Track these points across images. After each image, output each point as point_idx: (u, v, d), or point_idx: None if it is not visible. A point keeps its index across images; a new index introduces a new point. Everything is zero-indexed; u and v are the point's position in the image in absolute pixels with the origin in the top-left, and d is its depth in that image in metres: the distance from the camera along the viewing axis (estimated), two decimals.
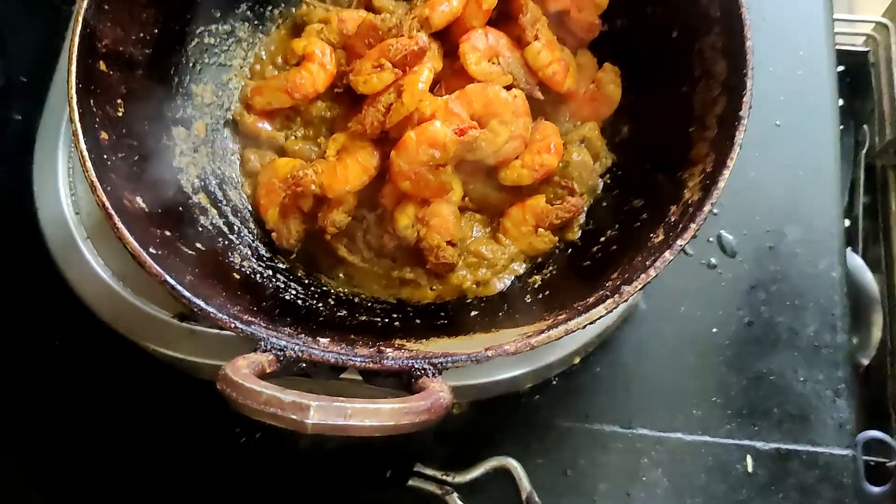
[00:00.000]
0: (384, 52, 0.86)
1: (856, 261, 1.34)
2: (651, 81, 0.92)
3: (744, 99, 0.76)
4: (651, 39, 0.92)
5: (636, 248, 0.78)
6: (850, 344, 1.10)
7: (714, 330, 1.08)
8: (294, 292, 0.85)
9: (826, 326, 1.09)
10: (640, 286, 0.71)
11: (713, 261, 1.11)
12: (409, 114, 0.84)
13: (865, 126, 1.47)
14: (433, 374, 0.68)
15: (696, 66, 0.85)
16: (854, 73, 1.54)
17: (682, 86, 0.86)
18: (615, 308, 0.70)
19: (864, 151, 1.47)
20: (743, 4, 0.79)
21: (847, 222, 1.53)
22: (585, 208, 0.92)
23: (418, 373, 0.68)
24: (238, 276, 0.83)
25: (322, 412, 0.56)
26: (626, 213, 0.86)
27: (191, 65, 0.94)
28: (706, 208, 0.73)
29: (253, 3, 1.00)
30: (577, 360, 1.02)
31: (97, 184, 0.74)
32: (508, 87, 0.89)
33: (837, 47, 1.30)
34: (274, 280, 0.86)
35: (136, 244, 0.72)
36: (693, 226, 0.73)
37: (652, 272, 0.71)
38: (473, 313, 0.85)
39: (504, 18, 0.94)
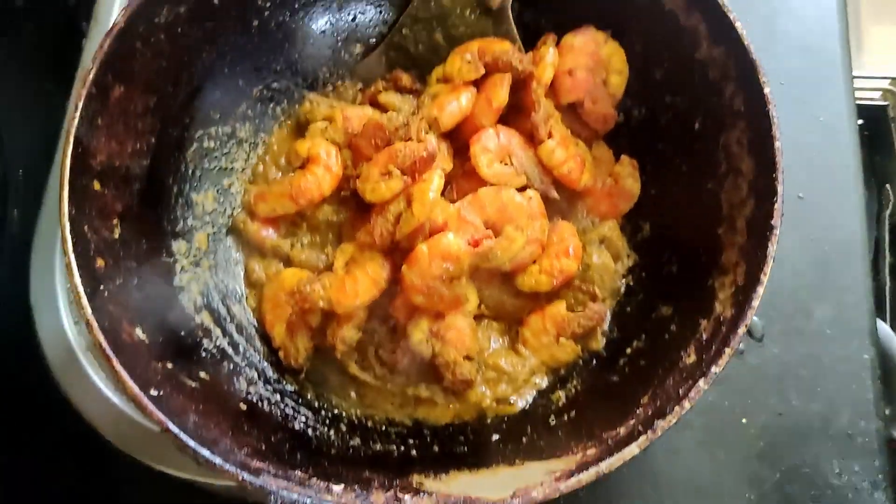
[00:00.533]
0: (392, 157, 0.82)
1: (884, 329, 1.29)
2: (673, 176, 0.87)
3: (775, 206, 0.72)
4: (672, 131, 0.88)
5: (667, 367, 0.73)
6: (886, 431, 1.05)
7: (744, 420, 1.03)
8: (304, 419, 0.81)
9: (860, 413, 1.04)
10: (674, 420, 0.66)
11: (740, 346, 1.06)
12: (420, 224, 0.80)
13: (888, 185, 1.42)
14: None
15: (722, 162, 0.81)
16: (872, 128, 1.50)
17: (707, 182, 0.82)
18: (648, 444, 0.66)
19: (887, 212, 1.42)
20: (770, 101, 0.75)
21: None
22: (609, 314, 0.87)
23: None
24: (245, 407, 0.78)
25: None
26: (654, 322, 0.82)
27: (190, 172, 0.90)
28: (740, 330, 0.69)
29: (254, 102, 0.96)
30: None
31: (94, 323, 0.70)
32: (522, 189, 0.85)
33: (859, 102, 1.26)
34: (282, 406, 0.81)
35: (136, 388, 0.68)
36: (728, 350, 0.68)
37: (686, 404, 0.67)
38: (495, 437, 0.80)
39: (514, 111, 0.90)
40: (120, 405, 0.91)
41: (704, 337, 0.72)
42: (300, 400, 0.83)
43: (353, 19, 0.98)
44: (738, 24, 0.78)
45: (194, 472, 0.87)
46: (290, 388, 0.85)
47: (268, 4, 0.92)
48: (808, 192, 1.13)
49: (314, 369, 0.87)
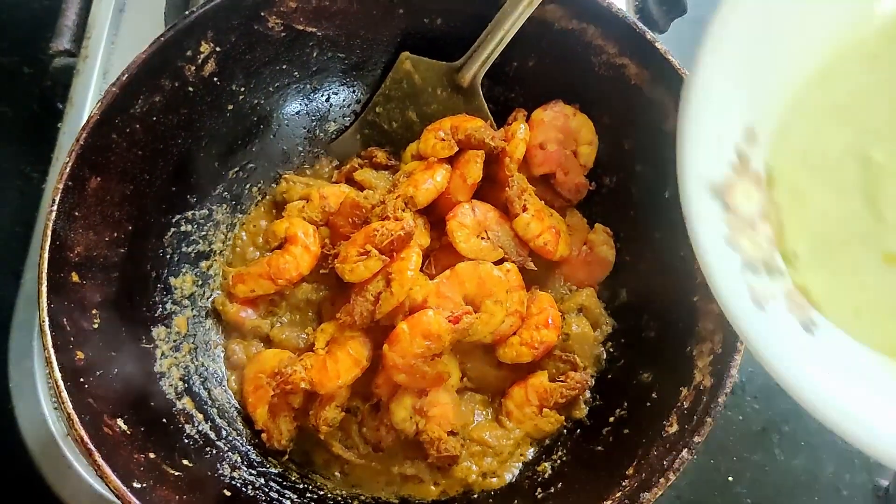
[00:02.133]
0: (369, 237, 0.83)
1: None
2: (646, 243, 0.89)
3: None
4: (643, 199, 0.90)
5: (650, 436, 0.74)
6: (871, 482, 1.05)
7: (730, 479, 1.03)
8: (289, 503, 0.80)
9: (844, 465, 1.05)
10: (659, 492, 0.67)
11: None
12: (400, 302, 0.81)
13: None
14: None
15: None
16: None
17: (680, 249, 0.83)
18: None
19: None
20: None
21: None
22: (591, 383, 0.87)
23: None
24: (229, 493, 0.78)
25: None
26: (635, 388, 0.82)
27: (168, 256, 0.90)
28: (721, 399, 0.70)
29: (230, 184, 0.96)
30: None
31: (75, 418, 0.70)
32: (500, 262, 0.86)
33: None
34: (266, 490, 0.80)
35: (119, 483, 0.68)
36: (709, 420, 0.69)
37: (671, 476, 0.67)
38: None
39: (488, 184, 0.91)
40: (101, 491, 0.90)
41: (686, 405, 0.73)
42: (284, 483, 0.82)
43: (327, 100, 1.00)
44: None
45: None
46: (273, 470, 0.84)
47: (242, 90, 0.94)
48: None
49: (298, 449, 0.86)
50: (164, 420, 0.81)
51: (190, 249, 0.93)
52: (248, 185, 0.98)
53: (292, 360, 0.84)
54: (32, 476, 0.94)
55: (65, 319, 0.76)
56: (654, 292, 0.88)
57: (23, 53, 1.26)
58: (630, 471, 0.72)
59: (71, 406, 0.70)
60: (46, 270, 0.75)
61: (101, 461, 0.68)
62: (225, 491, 0.78)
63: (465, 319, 0.80)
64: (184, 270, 0.92)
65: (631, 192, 0.92)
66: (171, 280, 0.90)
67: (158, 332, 0.86)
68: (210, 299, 0.93)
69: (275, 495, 0.80)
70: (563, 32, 0.90)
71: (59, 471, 0.94)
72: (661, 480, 0.67)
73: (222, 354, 0.92)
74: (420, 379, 0.80)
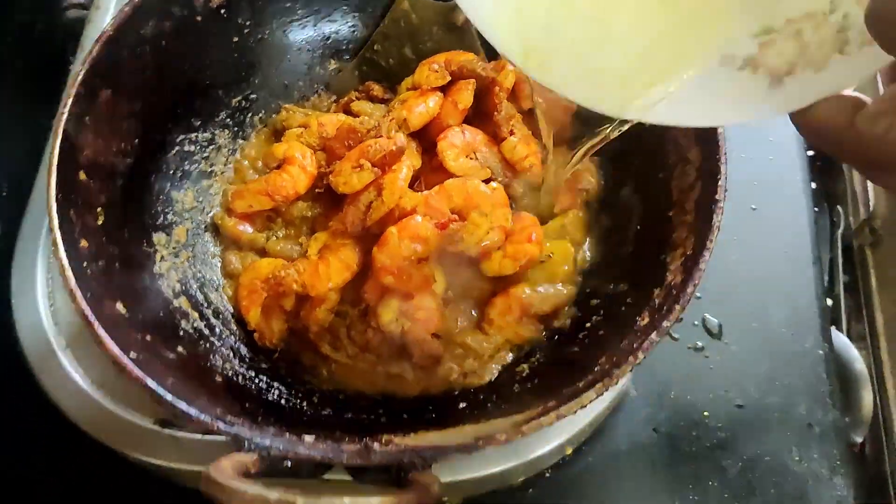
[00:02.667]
0: (363, 152, 0.87)
1: (840, 339, 1.34)
2: (627, 170, 0.94)
3: (719, 184, 0.78)
4: (625, 133, 0.95)
5: (623, 332, 0.77)
6: (843, 420, 1.08)
7: (706, 413, 1.06)
8: (277, 392, 0.83)
9: (817, 404, 1.08)
10: (628, 368, 0.70)
11: (700, 344, 1.10)
12: (390, 210, 0.85)
13: (839, 207, 1.50)
14: (422, 468, 0.66)
15: (671, 153, 0.87)
16: (825, 157, 1.58)
17: (658, 172, 0.88)
18: (605, 392, 0.69)
19: (839, 232, 1.49)
20: None
21: (829, 301, 1.54)
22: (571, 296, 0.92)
23: (407, 467, 0.66)
24: (220, 380, 0.81)
25: None
26: (611, 298, 0.86)
27: (171, 172, 0.95)
28: (689, 289, 0.73)
29: (233, 111, 1.02)
30: (569, 451, 1.00)
31: (77, 292, 0.73)
32: (487, 181, 0.91)
33: None
34: (257, 381, 0.84)
35: (115, 349, 0.71)
36: (678, 307, 0.73)
37: (640, 354, 0.71)
38: (462, 405, 0.83)
39: (480, 117, 0.97)
40: (97, 397, 0.93)
41: (657, 302, 0.77)
42: (274, 377, 0.86)
43: (328, 38, 1.06)
44: None
45: (169, 460, 0.88)
46: (264, 366, 0.87)
47: (248, 22, 1.00)
48: (761, 204, 1.20)
49: (287, 351, 0.90)
50: (161, 314, 0.85)
51: (192, 168, 0.97)
52: (249, 115, 1.03)
53: (286, 265, 0.88)
54: (31, 386, 0.96)
55: (71, 211, 0.80)
56: (632, 212, 0.92)
57: (37, 11, 1.31)
58: (603, 360, 0.75)
59: (74, 282, 0.74)
60: (56, 164, 0.79)
61: (100, 331, 0.72)
62: (217, 377, 0.81)
63: (452, 226, 0.84)
64: (186, 186, 0.96)
65: None
66: (174, 193, 0.95)
67: (159, 237, 0.91)
68: (210, 214, 0.98)
69: (264, 386, 0.84)
70: None
71: (57, 381, 0.96)
72: (630, 359, 0.70)
73: (219, 264, 0.96)
74: (407, 281, 0.84)
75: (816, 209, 1.29)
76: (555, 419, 0.68)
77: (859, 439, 1.25)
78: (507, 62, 0.95)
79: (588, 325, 0.86)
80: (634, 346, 0.72)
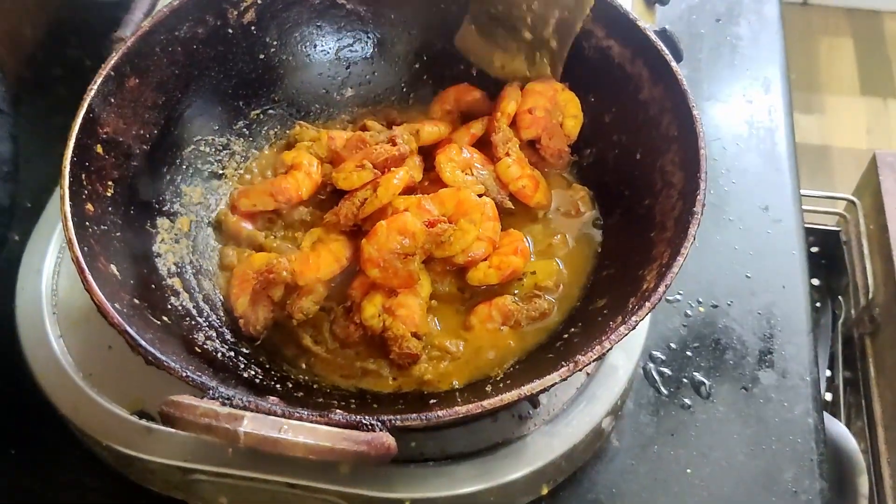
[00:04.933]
0: (367, 154, 0.92)
1: (839, 428, 1.32)
2: (617, 200, 0.97)
3: (697, 198, 0.81)
4: (618, 165, 0.99)
5: (596, 337, 0.78)
6: (830, 491, 1.06)
7: (688, 471, 1.05)
8: (253, 372, 0.84)
9: (804, 472, 1.05)
10: (594, 356, 0.71)
11: (687, 402, 1.09)
12: (383, 207, 0.89)
13: (841, 297, 1.51)
14: (380, 430, 0.66)
15: (658, 181, 0.90)
16: (829, 254, 1.60)
17: (644, 199, 0.91)
18: (569, 376, 0.70)
19: (840, 321, 1.49)
20: (697, 120, 0.86)
21: (829, 395, 1.52)
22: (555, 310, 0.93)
23: (366, 429, 0.66)
24: (199, 351, 0.83)
25: (256, 423, 0.55)
26: (590, 312, 0.88)
27: (184, 167, 1.00)
28: (661, 289, 0.75)
29: (250, 122, 1.07)
30: (545, 491, 0.98)
31: (75, 241, 0.77)
32: (480, 196, 0.94)
33: (812, 226, 1.37)
34: (235, 360, 0.85)
35: (102, 296, 0.73)
36: (648, 304, 0.74)
37: (607, 344, 0.72)
38: (432, 401, 0.84)
39: (480, 144, 1.02)
40: (81, 384, 0.93)
41: (630, 307, 0.78)
42: (252, 360, 0.87)
43: (348, 67, 1.12)
44: (673, 65, 0.91)
45: (143, 451, 0.89)
46: (245, 350, 0.89)
47: (275, 42, 1.07)
48: (756, 273, 1.22)
49: (270, 340, 0.91)
50: (153, 286, 0.88)
51: (204, 167, 1.02)
52: (265, 127, 1.09)
53: (279, 257, 0.91)
54: (21, 369, 0.97)
55: (83, 175, 0.85)
56: (620, 238, 0.95)
57: (87, 47, 1.38)
58: (576, 356, 0.76)
59: (73, 233, 0.77)
60: (77, 131, 0.85)
61: (90, 278, 0.74)
62: (196, 349, 0.83)
63: (440, 226, 0.87)
64: (195, 182, 1.01)
65: (607, 159, 1.00)
66: (183, 186, 1.00)
67: (162, 222, 0.95)
68: (214, 212, 1.02)
69: (242, 366, 0.85)
70: None
71: (46, 365, 0.96)
72: (598, 347, 0.71)
73: (217, 257, 0.99)
74: (392, 276, 0.86)
75: (819, 304, 1.30)
76: (516, 397, 0.69)
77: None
78: (511, 92, 1.01)
79: (565, 336, 0.87)
80: (602, 337, 0.73)
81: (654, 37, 0.93)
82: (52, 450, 1.00)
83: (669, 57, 0.92)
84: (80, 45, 1.42)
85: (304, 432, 0.55)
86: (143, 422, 0.91)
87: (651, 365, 1.11)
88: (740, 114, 1.41)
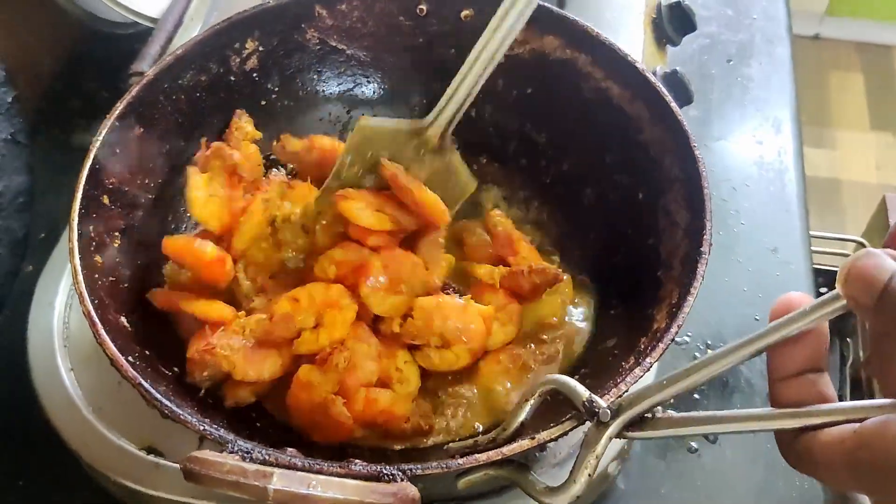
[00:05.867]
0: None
1: None
2: (620, 241, 0.98)
3: (704, 237, 0.82)
4: (620, 205, 1.00)
5: (611, 377, 0.79)
6: None
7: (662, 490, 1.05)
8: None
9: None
10: (611, 399, 0.71)
11: (694, 445, 1.09)
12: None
13: (849, 339, 1.51)
14: (401, 481, 0.66)
15: (661, 220, 0.91)
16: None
17: (648, 238, 0.92)
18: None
19: (849, 363, 1.50)
20: (700, 161, 0.87)
21: None
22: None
23: (386, 479, 0.66)
24: (211, 401, 0.83)
25: (285, 480, 0.55)
26: (599, 353, 0.88)
27: (189, 216, 1.00)
28: (674, 329, 0.76)
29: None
30: None
31: (86, 295, 0.77)
32: None
33: (821, 266, 1.38)
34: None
35: (114, 349, 0.73)
36: (661, 346, 0.75)
37: (623, 387, 0.72)
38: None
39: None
40: (91, 418, 0.93)
41: (642, 348, 0.79)
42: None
43: (349, 112, 1.14)
44: (673, 105, 0.92)
45: (151, 487, 0.88)
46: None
47: (276, 89, 1.08)
48: (765, 316, 1.20)
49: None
50: (163, 336, 0.87)
51: None
52: (267, 172, 1.09)
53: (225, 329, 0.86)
54: (32, 403, 0.96)
55: (91, 227, 0.85)
56: (622, 279, 0.95)
57: (104, 80, 1.38)
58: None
59: (83, 285, 0.77)
60: (84, 182, 0.85)
61: (101, 331, 0.74)
62: (208, 399, 0.83)
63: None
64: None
65: (609, 199, 1.02)
66: (188, 234, 1.00)
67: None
68: None
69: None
70: (558, 62, 1.03)
71: (56, 399, 0.95)
72: (613, 390, 0.71)
73: None
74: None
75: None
76: (535, 444, 0.69)
77: None
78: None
79: (576, 377, 0.87)
80: (618, 380, 0.73)
81: (652, 78, 0.95)
82: (61, 484, 0.99)
83: (669, 98, 0.93)
84: (97, 78, 1.44)
85: (333, 488, 0.55)
86: (152, 457, 0.91)
87: (658, 407, 1.11)
88: (750, 154, 1.43)
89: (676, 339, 1.15)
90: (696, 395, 1.14)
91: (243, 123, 1.05)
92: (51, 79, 1.46)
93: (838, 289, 0.59)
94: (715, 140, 1.46)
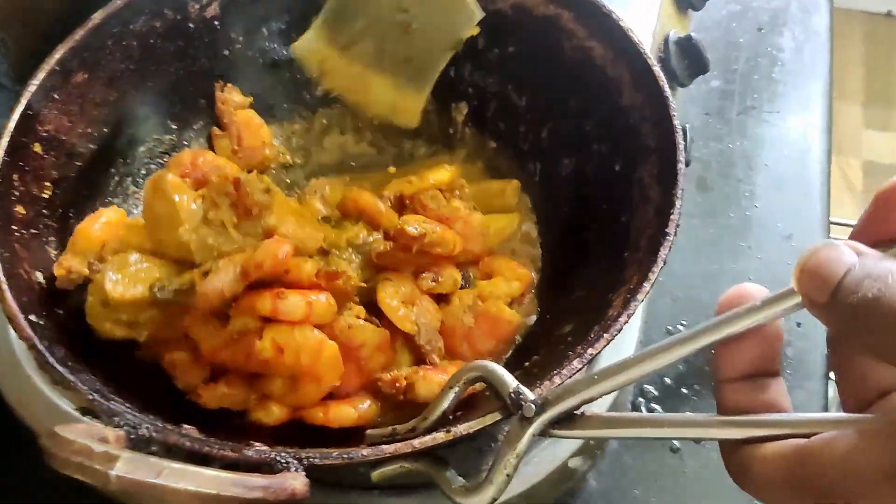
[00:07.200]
0: None
1: None
2: (593, 215, 0.90)
3: (671, 218, 0.74)
4: (597, 176, 0.92)
5: (557, 367, 0.71)
6: None
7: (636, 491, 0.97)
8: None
9: None
10: (541, 392, 0.64)
11: (676, 444, 1.01)
12: None
13: None
14: (296, 470, 0.60)
15: (636, 195, 0.83)
16: None
17: (622, 215, 0.84)
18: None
19: None
20: (677, 130, 0.79)
21: None
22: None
23: (280, 466, 0.60)
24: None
25: (131, 465, 0.49)
26: (555, 338, 0.81)
27: (136, 167, 0.95)
28: (622, 319, 0.68)
29: (212, 122, 1.02)
30: None
31: None
32: None
33: None
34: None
35: (13, 304, 0.68)
36: (606, 336, 0.67)
37: (557, 379, 0.65)
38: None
39: None
40: (31, 374, 0.88)
41: (592, 336, 0.71)
42: None
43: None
44: (655, 69, 0.84)
45: None
46: None
47: (241, 38, 1.01)
48: None
49: None
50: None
51: (157, 168, 0.97)
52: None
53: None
54: None
55: (15, 176, 0.79)
56: (588, 259, 0.88)
57: None
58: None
59: None
60: (12, 130, 0.79)
61: (4, 287, 0.69)
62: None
63: None
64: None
65: (586, 170, 0.93)
66: (133, 188, 0.94)
67: None
68: None
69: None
70: (541, 18, 0.95)
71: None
72: (546, 383, 0.64)
73: None
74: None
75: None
76: (452, 437, 0.62)
77: None
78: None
79: (526, 363, 0.80)
80: (553, 371, 0.66)
81: (636, 37, 0.86)
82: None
83: (652, 60, 0.84)
84: None
85: (185, 478, 0.49)
86: (88, 419, 0.85)
87: (641, 400, 1.03)
88: (772, 131, 1.33)
89: (669, 327, 1.08)
90: (684, 390, 1.06)
91: (229, 94, 1.00)
92: (50, 21, 1.40)
93: (792, 283, 0.50)
94: (736, 114, 1.36)
